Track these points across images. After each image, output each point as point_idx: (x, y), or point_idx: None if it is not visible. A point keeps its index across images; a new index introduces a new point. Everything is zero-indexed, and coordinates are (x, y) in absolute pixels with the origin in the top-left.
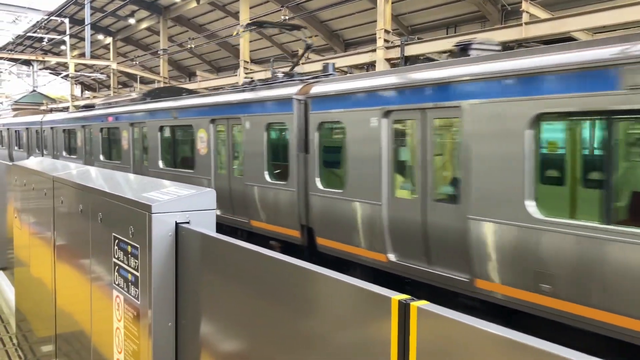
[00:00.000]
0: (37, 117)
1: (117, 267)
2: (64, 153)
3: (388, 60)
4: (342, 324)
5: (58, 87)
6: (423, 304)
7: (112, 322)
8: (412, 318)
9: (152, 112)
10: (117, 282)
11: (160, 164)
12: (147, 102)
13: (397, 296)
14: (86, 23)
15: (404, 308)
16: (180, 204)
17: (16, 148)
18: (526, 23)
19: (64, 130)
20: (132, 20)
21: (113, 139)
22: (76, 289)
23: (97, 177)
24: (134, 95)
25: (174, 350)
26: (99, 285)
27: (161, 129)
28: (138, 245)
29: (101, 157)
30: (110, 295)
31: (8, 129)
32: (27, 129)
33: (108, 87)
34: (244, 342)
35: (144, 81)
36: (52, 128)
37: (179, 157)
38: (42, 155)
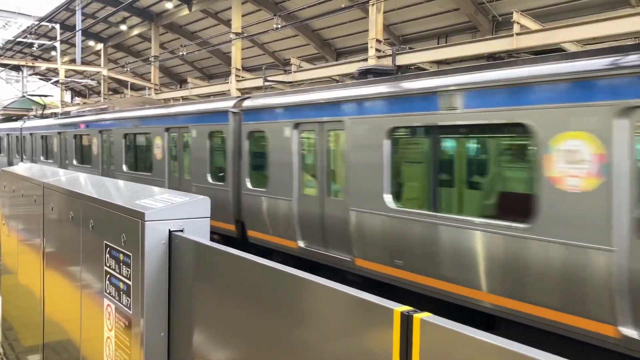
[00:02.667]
0: (167, 109)
1: (108, 275)
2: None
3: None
4: (341, 336)
5: (48, 93)
6: (426, 315)
7: (103, 331)
8: (415, 330)
9: None
10: (108, 291)
11: None
12: None
13: (399, 308)
14: (77, 29)
15: (406, 320)
16: (174, 212)
17: (125, 168)
18: (517, 34)
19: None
20: (123, 27)
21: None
22: (65, 297)
23: (87, 184)
24: None
25: None
26: (90, 294)
27: None
28: (130, 254)
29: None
30: (101, 304)
31: (101, 131)
32: (147, 136)
33: (98, 93)
34: (237, 353)
35: (134, 88)
36: (257, 132)
37: None
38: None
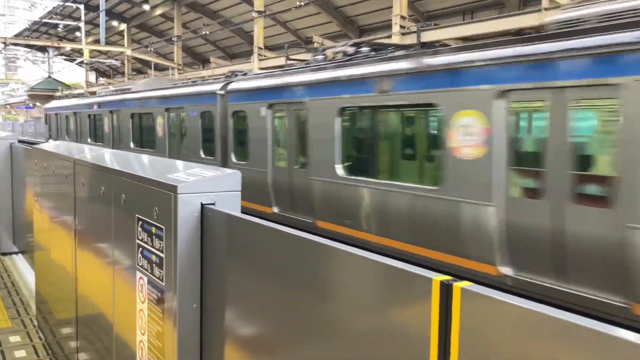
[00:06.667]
0: None
1: (140, 248)
2: None
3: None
4: (378, 308)
5: (72, 74)
6: (467, 284)
7: (135, 303)
8: (455, 300)
9: None
10: (140, 264)
11: None
12: None
13: (438, 277)
14: (101, 9)
15: (446, 289)
16: (205, 185)
17: None
18: (546, 9)
19: None
20: (146, 7)
21: None
22: (98, 271)
23: (118, 159)
24: None
25: (199, 332)
26: (122, 267)
27: None
28: (163, 227)
29: None
30: (133, 277)
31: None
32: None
33: (122, 73)
34: (270, 325)
35: (158, 68)
36: None
37: None
38: None
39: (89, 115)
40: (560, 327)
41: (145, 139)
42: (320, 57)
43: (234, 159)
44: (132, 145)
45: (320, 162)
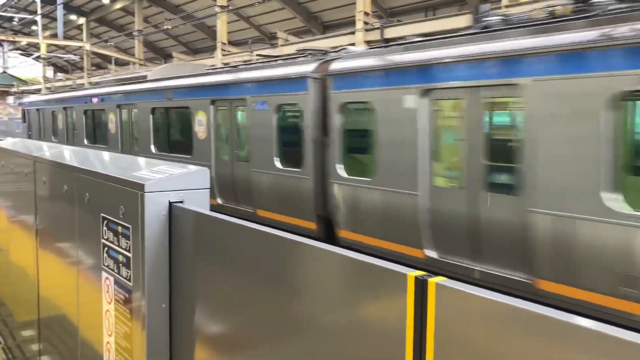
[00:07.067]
0: None
1: (106, 248)
2: None
3: (367, 42)
4: (353, 304)
5: (29, 69)
6: (441, 279)
7: (102, 304)
8: (430, 295)
9: None
10: (106, 264)
11: None
12: None
13: (413, 272)
14: (58, 2)
15: (421, 285)
16: (173, 183)
17: None
18: (506, 6)
19: None
20: (106, 0)
21: None
22: (61, 272)
23: (80, 157)
24: None
25: (169, 332)
26: (87, 268)
27: None
28: (130, 226)
29: None
30: (99, 277)
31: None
32: None
33: (81, 68)
34: (241, 324)
35: (118, 63)
36: None
37: None
38: None
39: (86, 112)
40: (530, 318)
41: (174, 142)
42: (494, 19)
43: (342, 173)
44: (153, 149)
45: (556, 185)
